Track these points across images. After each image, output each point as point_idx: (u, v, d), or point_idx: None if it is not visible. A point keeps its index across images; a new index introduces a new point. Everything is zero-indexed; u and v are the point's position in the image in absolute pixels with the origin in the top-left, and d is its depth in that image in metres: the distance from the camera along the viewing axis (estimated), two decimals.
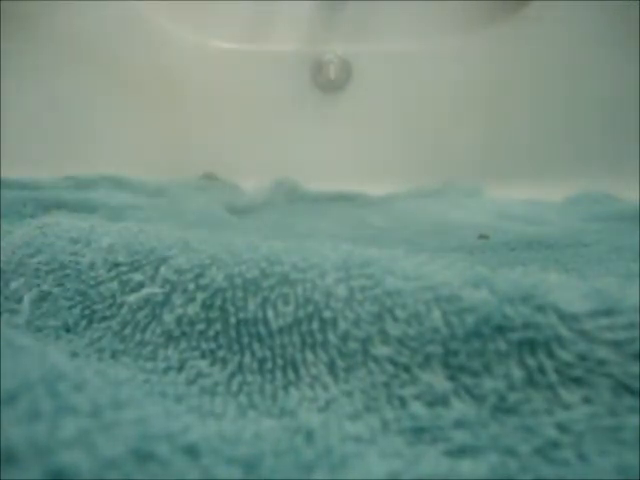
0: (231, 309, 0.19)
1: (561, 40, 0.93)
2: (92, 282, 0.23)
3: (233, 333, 0.19)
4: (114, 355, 0.21)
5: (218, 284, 0.20)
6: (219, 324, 0.20)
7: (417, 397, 0.16)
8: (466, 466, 0.14)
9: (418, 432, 0.16)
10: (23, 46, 0.91)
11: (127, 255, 0.23)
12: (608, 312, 0.16)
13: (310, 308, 0.18)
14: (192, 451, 0.12)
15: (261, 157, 1.02)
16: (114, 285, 0.22)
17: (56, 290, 0.24)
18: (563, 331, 0.16)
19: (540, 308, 0.16)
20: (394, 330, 0.17)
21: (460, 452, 0.15)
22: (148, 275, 0.22)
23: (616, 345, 0.16)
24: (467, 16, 1.01)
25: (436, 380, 0.16)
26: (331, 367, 0.18)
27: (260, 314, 0.19)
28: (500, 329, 0.16)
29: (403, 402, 0.17)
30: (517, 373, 0.16)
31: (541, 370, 0.16)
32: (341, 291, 0.18)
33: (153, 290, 0.21)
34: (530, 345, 0.16)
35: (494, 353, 0.16)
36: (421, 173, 0.93)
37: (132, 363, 0.20)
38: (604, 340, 0.16)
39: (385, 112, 1.04)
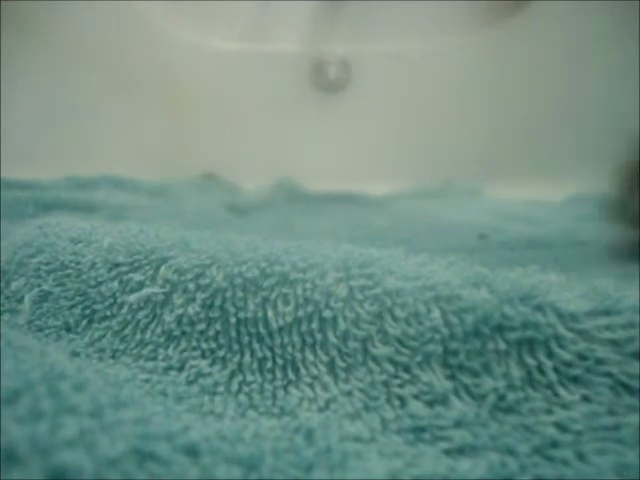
0: (231, 309, 0.20)
1: (561, 40, 0.93)
2: (93, 282, 0.23)
3: (233, 333, 0.19)
4: (114, 355, 0.21)
5: (218, 284, 0.20)
6: (219, 324, 0.20)
7: (417, 396, 0.17)
8: (466, 465, 0.14)
9: (418, 431, 0.16)
10: (23, 47, 0.91)
11: (127, 255, 0.23)
12: (607, 311, 0.16)
13: (310, 308, 0.18)
14: (192, 451, 0.12)
15: (261, 157, 1.02)
16: (114, 285, 0.22)
17: (57, 290, 0.24)
18: (562, 330, 0.16)
19: (539, 308, 0.16)
20: (394, 330, 0.17)
21: (460, 451, 0.15)
22: (148, 275, 0.22)
23: (615, 344, 0.16)
24: (467, 16, 1.01)
25: (436, 379, 0.16)
26: (331, 367, 0.18)
27: (260, 314, 0.19)
28: (499, 329, 0.16)
29: (403, 401, 0.17)
30: (516, 372, 0.16)
31: (540, 369, 0.16)
32: (341, 291, 0.18)
33: (153, 290, 0.21)
34: (529, 344, 0.16)
35: (493, 352, 0.16)
36: (421, 173, 0.93)
37: (132, 363, 0.20)
38: (603, 339, 0.16)
39: (385, 112, 1.04)
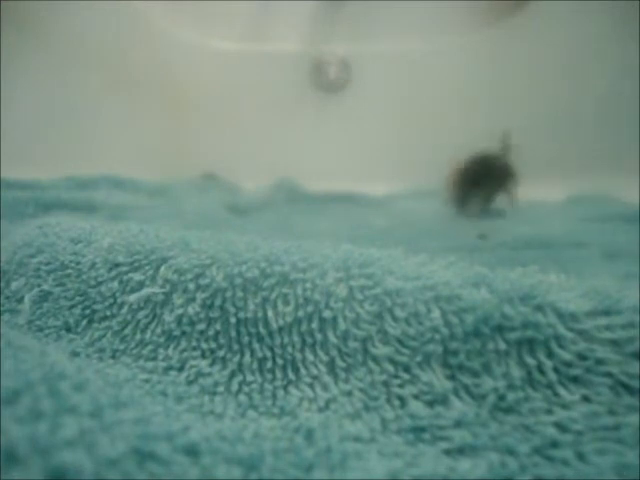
0: (231, 309, 0.20)
1: (561, 40, 0.93)
2: (93, 282, 0.23)
3: (233, 333, 0.19)
4: (114, 355, 0.21)
5: (218, 284, 0.20)
6: (219, 324, 0.20)
7: (417, 396, 0.17)
8: (466, 465, 0.14)
9: (418, 431, 0.16)
10: (23, 47, 0.91)
11: (127, 255, 0.23)
12: (607, 312, 0.16)
13: (310, 308, 0.18)
14: (192, 451, 0.12)
15: (261, 157, 1.02)
16: (114, 285, 0.22)
17: (57, 290, 0.24)
18: (562, 330, 0.16)
19: (539, 308, 0.16)
20: (394, 330, 0.17)
21: (460, 451, 0.15)
22: (148, 275, 0.22)
23: (615, 344, 0.16)
24: (467, 16, 1.01)
25: (436, 379, 0.16)
26: (331, 367, 0.18)
27: (260, 314, 0.19)
28: (499, 328, 0.16)
29: (403, 401, 0.17)
30: (516, 372, 0.16)
31: (540, 369, 0.16)
32: (341, 291, 0.18)
33: (153, 290, 0.21)
34: (529, 344, 0.16)
35: (493, 352, 0.16)
36: (421, 173, 0.93)
37: (132, 363, 0.20)
38: (603, 339, 0.16)
39: (385, 112, 1.04)
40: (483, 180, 0.67)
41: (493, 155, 0.69)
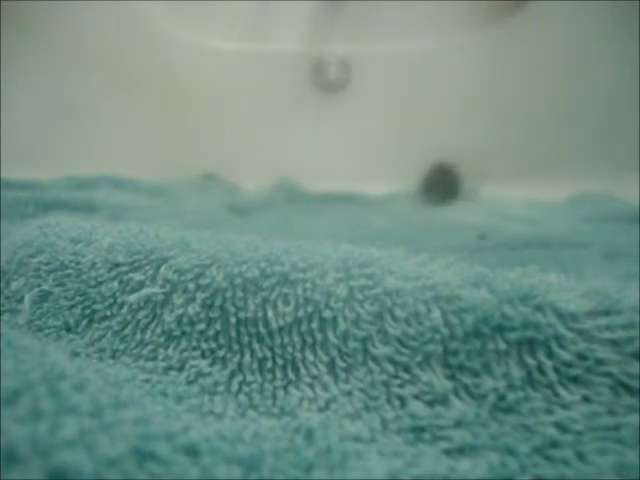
0: (231, 309, 0.20)
1: (561, 40, 0.93)
2: (93, 282, 0.23)
3: (233, 333, 0.19)
4: (114, 355, 0.21)
5: (218, 284, 0.20)
6: (219, 324, 0.20)
7: (417, 396, 0.17)
8: (466, 465, 0.14)
9: (418, 431, 0.16)
10: (23, 47, 0.91)
11: (127, 255, 0.23)
12: (607, 312, 0.16)
13: (310, 308, 0.18)
14: (192, 451, 0.12)
15: (261, 157, 1.02)
16: (114, 285, 0.22)
17: (57, 290, 0.24)
18: (562, 330, 0.16)
19: (539, 308, 0.16)
20: (394, 330, 0.17)
21: (460, 451, 0.15)
22: (148, 275, 0.22)
23: (615, 344, 0.16)
24: (467, 16, 1.01)
25: (436, 379, 0.16)
26: (331, 367, 0.18)
27: (260, 314, 0.19)
28: (499, 329, 0.16)
29: (403, 401, 0.17)
30: (516, 372, 0.16)
31: (540, 369, 0.16)
32: (341, 291, 0.18)
33: (153, 290, 0.21)
34: (529, 344, 0.16)
35: (493, 352, 0.16)
36: (421, 173, 0.93)
37: (132, 363, 0.20)
38: (603, 339, 0.16)
39: (385, 112, 1.04)
40: (440, 182, 0.91)
41: (448, 165, 0.92)
